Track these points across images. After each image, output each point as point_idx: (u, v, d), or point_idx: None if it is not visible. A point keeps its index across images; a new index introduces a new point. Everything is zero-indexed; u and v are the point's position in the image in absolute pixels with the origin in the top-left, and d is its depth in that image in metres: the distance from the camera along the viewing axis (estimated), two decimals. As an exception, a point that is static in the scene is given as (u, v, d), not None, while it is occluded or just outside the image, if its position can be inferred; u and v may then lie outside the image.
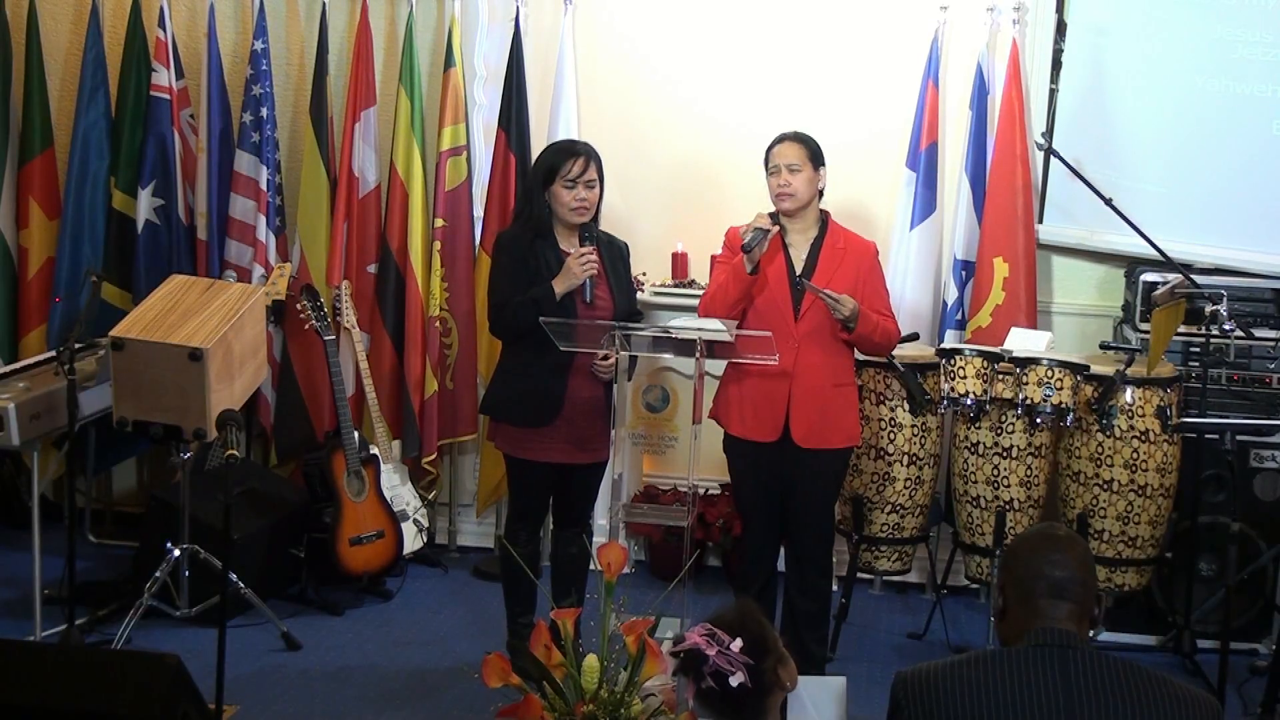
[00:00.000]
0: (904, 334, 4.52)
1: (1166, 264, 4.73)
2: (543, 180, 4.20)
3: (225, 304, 4.44)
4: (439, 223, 5.34)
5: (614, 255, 4.31)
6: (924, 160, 5.16)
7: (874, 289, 4.23)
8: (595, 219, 4.26)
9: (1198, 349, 4.75)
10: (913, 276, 5.20)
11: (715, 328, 3.95)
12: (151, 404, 4.29)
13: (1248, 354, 4.82)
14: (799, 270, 4.20)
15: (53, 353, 4.56)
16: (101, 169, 5.46)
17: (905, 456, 4.69)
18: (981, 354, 4.56)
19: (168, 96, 5.35)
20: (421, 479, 5.45)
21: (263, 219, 5.32)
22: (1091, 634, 2.49)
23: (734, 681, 2.52)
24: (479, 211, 5.43)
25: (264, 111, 5.32)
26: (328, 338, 5.00)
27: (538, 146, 5.06)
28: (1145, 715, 2.29)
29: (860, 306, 4.09)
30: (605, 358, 4.06)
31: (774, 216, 4.16)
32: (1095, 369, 4.55)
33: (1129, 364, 4.50)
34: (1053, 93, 5.16)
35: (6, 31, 5.47)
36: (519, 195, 5.07)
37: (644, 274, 5.26)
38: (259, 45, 5.33)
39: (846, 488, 4.63)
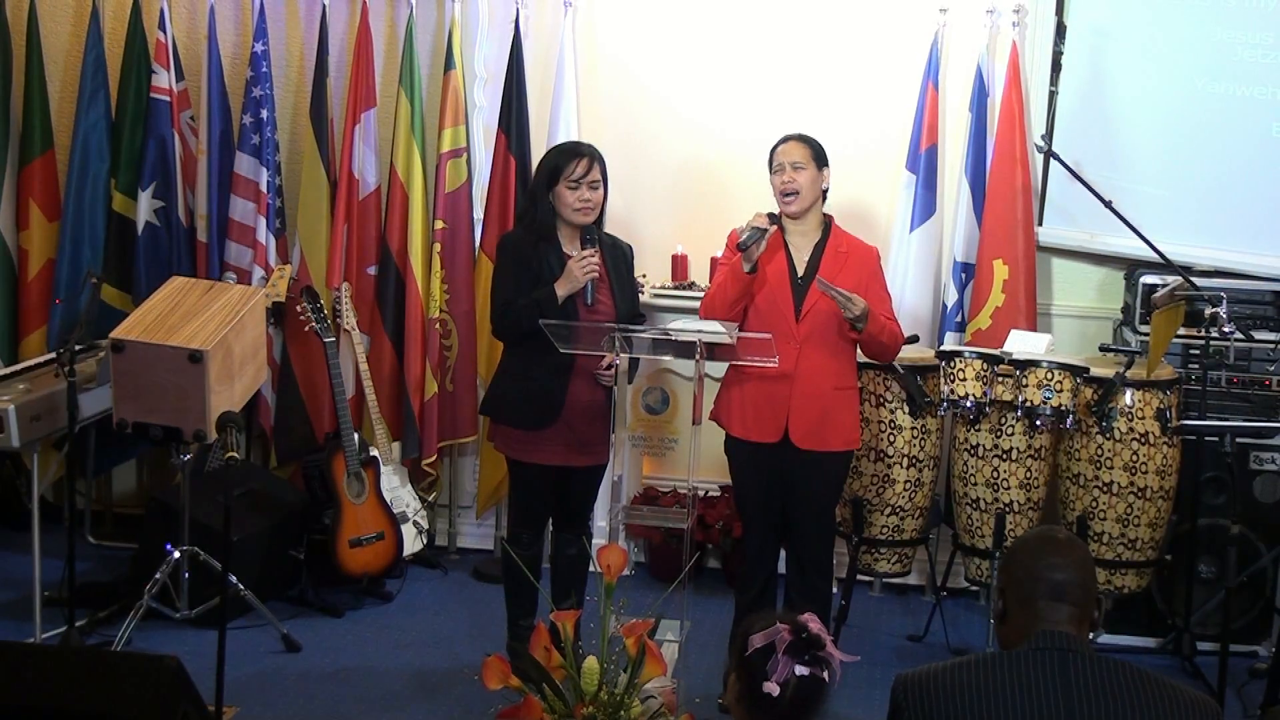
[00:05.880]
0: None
1: (1166, 266, 4.74)
2: (547, 182, 4.18)
3: (225, 306, 4.44)
4: (439, 225, 5.34)
5: (617, 258, 4.30)
6: (924, 162, 5.16)
7: (876, 294, 4.23)
8: (600, 221, 4.26)
9: (1197, 351, 4.74)
10: (912, 279, 5.21)
11: (715, 330, 3.94)
12: (151, 406, 4.29)
13: (1247, 356, 4.82)
14: (800, 273, 4.20)
15: (53, 354, 4.55)
16: (102, 171, 5.46)
17: (905, 459, 4.69)
18: (981, 356, 4.56)
19: (168, 98, 5.35)
20: (421, 480, 5.46)
21: (263, 221, 5.32)
22: (1091, 636, 2.48)
23: (836, 670, 2.50)
24: (479, 214, 5.43)
25: (264, 113, 5.32)
26: (328, 339, 5.00)
27: (538, 149, 5.06)
28: (1145, 718, 2.29)
29: (869, 307, 4.09)
30: (608, 365, 4.06)
31: (773, 216, 4.16)
32: (1095, 371, 4.55)
33: (1129, 366, 4.50)
34: (1052, 95, 5.15)
35: (7, 33, 5.47)
36: (522, 198, 5.08)
37: (644, 276, 5.26)
38: (259, 47, 5.33)
39: (846, 490, 4.63)
